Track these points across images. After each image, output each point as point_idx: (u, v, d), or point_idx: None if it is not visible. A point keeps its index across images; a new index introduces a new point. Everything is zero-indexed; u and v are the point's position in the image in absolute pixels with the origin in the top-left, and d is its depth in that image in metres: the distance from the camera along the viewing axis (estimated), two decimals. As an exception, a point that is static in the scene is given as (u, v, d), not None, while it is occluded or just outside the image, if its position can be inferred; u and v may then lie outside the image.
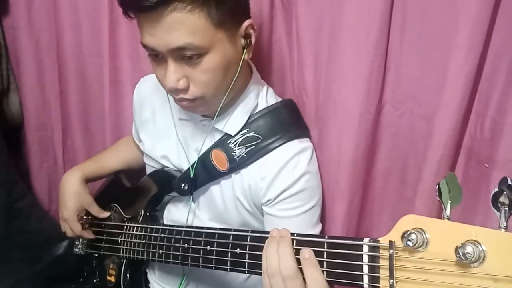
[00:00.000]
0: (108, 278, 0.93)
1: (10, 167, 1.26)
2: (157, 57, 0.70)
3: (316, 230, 0.80)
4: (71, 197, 0.91)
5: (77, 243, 0.98)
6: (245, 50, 0.74)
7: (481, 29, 0.65)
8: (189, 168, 0.82)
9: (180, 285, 0.89)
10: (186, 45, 0.66)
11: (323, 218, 0.86)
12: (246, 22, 0.72)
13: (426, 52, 0.72)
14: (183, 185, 0.83)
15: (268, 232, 0.61)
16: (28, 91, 1.32)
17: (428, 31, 0.71)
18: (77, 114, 1.28)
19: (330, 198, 0.84)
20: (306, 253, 0.56)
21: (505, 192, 0.42)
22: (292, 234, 0.59)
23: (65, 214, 0.91)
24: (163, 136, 0.88)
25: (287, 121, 0.80)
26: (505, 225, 0.43)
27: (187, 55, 0.67)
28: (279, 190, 0.75)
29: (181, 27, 0.65)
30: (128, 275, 0.90)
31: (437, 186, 0.47)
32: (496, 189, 0.43)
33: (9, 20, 1.28)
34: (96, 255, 0.96)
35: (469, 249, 0.42)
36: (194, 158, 0.82)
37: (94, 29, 1.14)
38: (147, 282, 0.96)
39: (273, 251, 0.57)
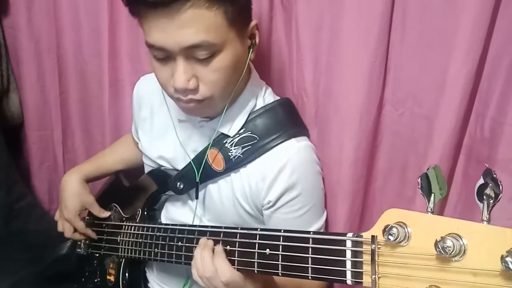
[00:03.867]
0: (108, 277, 0.93)
1: (10, 167, 1.26)
2: (163, 58, 0.68)
3: (321, 222, 0.80)
4: (71, 198, 0.91)
5: (79, 243, 0.98)
6: (251, 50, 0.74)
7: (481, 29, 0.65)
8: (184, 167, 0.82)
9: (184, 286, 0.89)
10: (201, 43, 0.64)
11: (325, 219, 0.86)
12: (253, 22, 0.73)
13: (426, 52, 0.72)
14: (178, 184, 0.82)
15: (256, 229, 0.63)
16: (28, 91, 1.32)
17: (428, 31, 0.71)
18: (77, 114, 1.28)
19: (332, 198, 0.84)
20: (217, 247, 0.65)
21: (490, 185, 0.42)
22: (279, 231, 0.60)
23: (66, 215, 0.91)
24: (160, 136, 0.88)
25: (284, 120, 0.79)
26: (487, 217, 0.42)
27: (199, 54, 0.66)
28: (279, 191, 0.75)
29: (197, 24, 0.63)
30: (127, 274, 0.90)
31: (420, 178, 0.46)
32: (481, 182, 0.43)
33: (9, 20, 1.28)
34: (97, 254, 0.97)
35: (449, 242, 0.42)
36: (190, 158, 0.82)
37: (94, 29, 1.14)
38: (146, 281, 0.96)
39: (198, 258, 0.66)
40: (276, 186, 0.75)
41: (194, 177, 0.80)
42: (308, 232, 0.56)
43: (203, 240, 0.68)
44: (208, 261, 0.64)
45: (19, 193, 1.27)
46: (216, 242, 0.66)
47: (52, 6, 1.19)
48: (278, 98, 0.83)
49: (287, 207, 0.76)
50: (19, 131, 1.40)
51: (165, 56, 0.68)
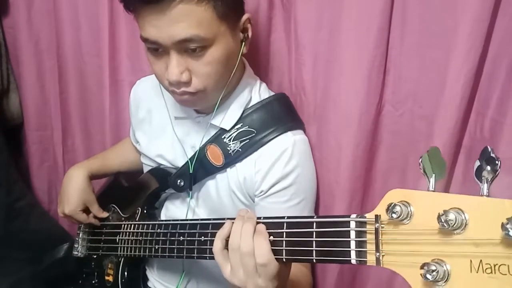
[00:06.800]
0: (107, 278, 0.92)
1: (10, 166, 1.26)
2: (157, 51, 0.70)
3: None
4: (76, 193, 0.91)
5: (76, 246, 0.98)
6: (244, 43, 0.75)
7: (481, 29, 0.64)
8: (184, 164, 0.83)
9: (180, 280, 0.89)
10: (192, 37, 0.66)
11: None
12: (245, 16, 0.74)
13: (426, 52, 0.72)
14: (179, 181, 0.83)
15: (259, 218, 0.62)
16: (28, 91, 1.32)
17: (428, 31, 0.71)
18: (77, 114, 1.28)
19: (330, 198, 0.84)
20: (260, 226, 0.60)
21: (488, 167, 0.43)
22: (283, 217, 0.59)
23: (67, 211, 0.91)
24: (158, 135, 0.89)
25: (280, 114, 0.81)
26: (487, 192, 0.43)
27: (191, 48, 0.68)
28: (271, 182, 0.76)
29: (187, 18, 0.65)
30: (126, 273, 0.90)
31: (421, 159, 0.47)
32: (478, 163, 0.43)
33: (9, 20, 1.28)
34: (95, 256, 0.96)
35: (451, 216, 0.42)
36: (190, 154, 0.83)
37: (94, 29, 1.14)
38: (145, 279, 0.96)
39: (238, 229, 0.60)
40: (270, 176, 0.76)
41: (190, 169, 0.81)
42: (312, 217, 0.57)
43: (245, 212, 0.62)
44: (249, 235, 0.58)
45: (19, 193, 1.27)
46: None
47: (52, 6, 1.19)
48: (273, 93, 0.84)
49: (276, 196, 0.77)
50: (19, 131, 1.40)
51: (159, 49, 0.70)
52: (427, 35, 0.71)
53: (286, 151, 0.76)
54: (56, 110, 1.31)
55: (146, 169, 0.94)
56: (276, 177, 0.76)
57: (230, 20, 0.70)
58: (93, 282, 0.96)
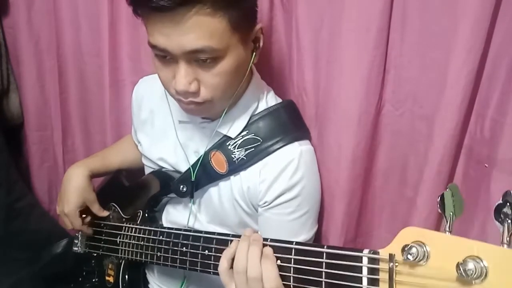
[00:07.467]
0: (107, 278, 0.92)
1: (10, 166, 1.26)
2: (165, 58, 0.68)
3: (310, 234, 0.80)
4: (75, 192, 0.89)
5: (76, 241, 0.97)
6: (254, 53, 0.74)
7: (481, 29, 0.65)
8: (187, 169, 0.82)
9: (181, 287, 0.89)
10: (204, 48, 0.64)
11: (323, 218, 0.86)
12: (258, 26, 0.72)
13: (426, 52, 0.72)
14: (181, 186, 0.82)
15: (267, 239, 0.61)
16: (28, 91, 1.32)
17: (428, 31, 0.71)
18: (77, 114, 1.27)
19: (330, 197, 0.84)
20: (267, 249, 0.60)
21: (508, 204, 0.41)
22: (291, 243, 0.59)
23: (66, 210, 0.90)
24: (161, 138, 0.88)
25: (287, 123, 0.79)
26: (507, 240, 0.42)
27: (201, 58, 0.66)
28: (276, 193, 0.75)
29: (200, 29, 0.63)
30: (126, 276, 0.89)
31: (439, 198, 0.46)
32: (500, 201, 0.42)
33: (9, 20, 1.28)
34: (95, 254, 0.96)
35: (470, 265, 0.41)
36: (192, 160, 0.82)
37: (94, 29, 1.14)
38: (146, 282, 0.96)
39: (243, 250, 0.60)
40: (275, 187, 0.75)
41: (192, 177, 0.80)
42: (322, 246, 0.56)
43: (250, 232, 0.62)
44: (257, 260, 0.58)
45: (19, 193, 1.27)
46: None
47: (52, 6, 1.19)
48: (281, 100, 0.83)
49: (280, 208, 0.76)
50: (19, 131, 1.39)
51: (167, 57, 0.68)
52: (427, 35, 0.71)
53: (292, 162, 0.75)
54: (56, 110, 1.31)
55: (147, 170, 0.93)
56: (281, 188, 0.74)
57: (243, 31, 0.68)
58: (93, 280, 0.96)
